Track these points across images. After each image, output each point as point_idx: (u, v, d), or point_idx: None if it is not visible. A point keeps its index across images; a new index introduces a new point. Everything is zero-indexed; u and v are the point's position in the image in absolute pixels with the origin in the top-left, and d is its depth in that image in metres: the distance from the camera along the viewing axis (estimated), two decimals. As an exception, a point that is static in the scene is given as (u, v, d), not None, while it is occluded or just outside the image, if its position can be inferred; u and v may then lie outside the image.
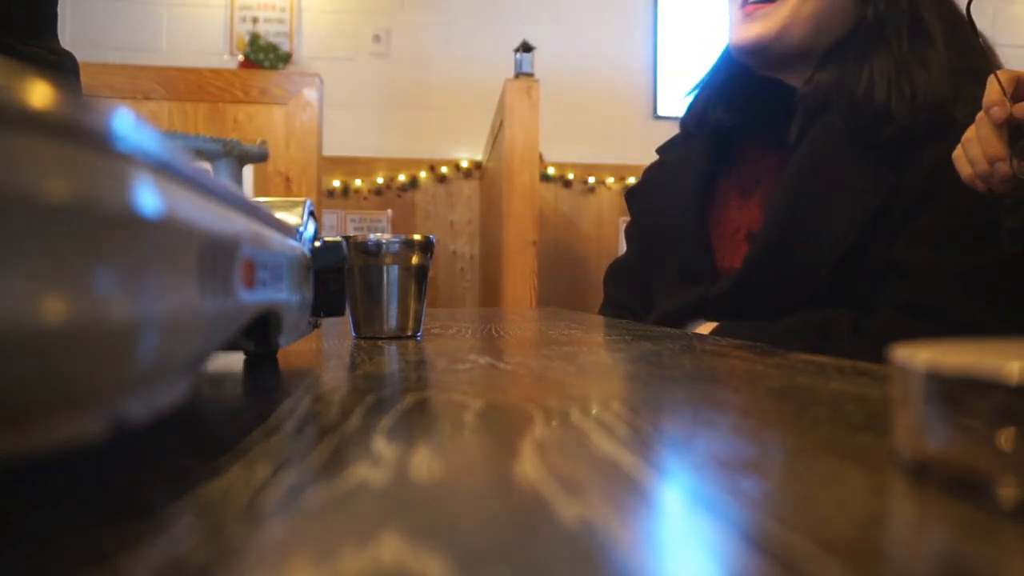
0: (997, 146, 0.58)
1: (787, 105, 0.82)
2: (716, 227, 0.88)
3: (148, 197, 0.13)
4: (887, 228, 0.72)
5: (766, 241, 0.78)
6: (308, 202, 0.40)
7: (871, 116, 0.74)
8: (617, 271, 1.03)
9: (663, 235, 0.91)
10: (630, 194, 1.00)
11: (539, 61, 2.51)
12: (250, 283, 0.22)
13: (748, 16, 0.82)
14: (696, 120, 0.94)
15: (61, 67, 0.66)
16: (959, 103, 0.72)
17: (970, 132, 0.61)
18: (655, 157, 1.00)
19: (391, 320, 0.58)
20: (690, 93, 0.96)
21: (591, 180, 2.99)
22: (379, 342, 0.54)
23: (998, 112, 0.57)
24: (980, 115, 0.59)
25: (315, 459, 0.18)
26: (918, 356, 0.16)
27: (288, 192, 2.41)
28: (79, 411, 0.12)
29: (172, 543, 0.12)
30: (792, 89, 0.83)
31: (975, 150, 0.60)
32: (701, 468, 0.17)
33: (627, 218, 1.03)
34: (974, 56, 0.75)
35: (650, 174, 0.99)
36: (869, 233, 0.72)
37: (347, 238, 0.54)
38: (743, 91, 0.89)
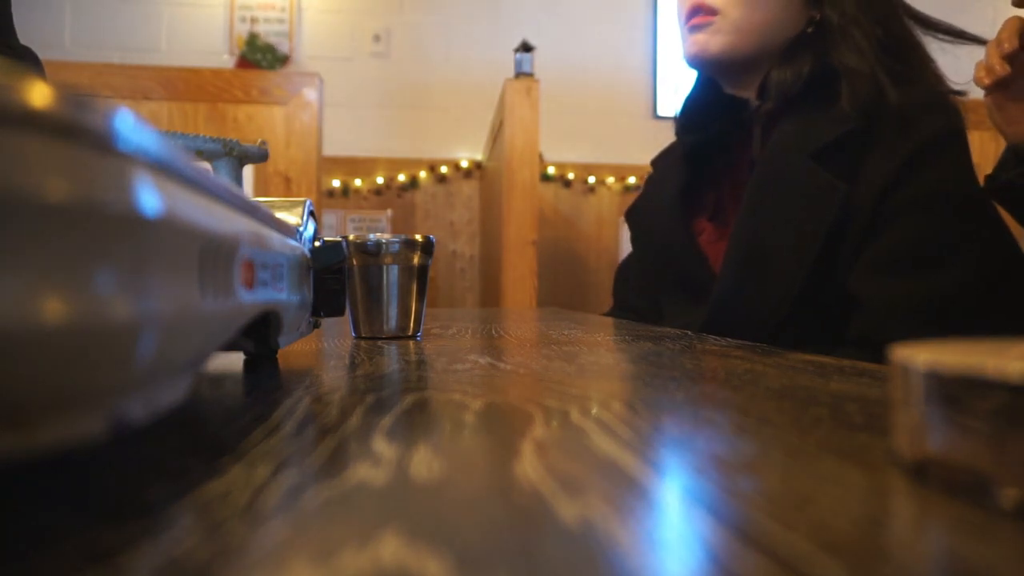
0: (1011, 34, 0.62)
1: (748, 121, 0.81)
2: (709, 240, 0.85)
3: (148, 197, 0.13)
4: (844, 254, 0.70)
5: (729, 270, 0.76)
6: (308, 202, 0.40)
7: (824, 115, 0.73)
8: (624, 272, 1.02)
9: (657, 252, 0.90)
10: (628, 212, 0.99)
11: (539, 61, 2.51)
12: (250, 283, 0.22)
13: (694, 29, 0.82)
14: (676, 131, 0.94)
15: (24, 63, 0.65)
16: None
17: (992, 41, 0.64)
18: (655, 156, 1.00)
19: (391, 320, 0.58)
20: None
21: (591, 180, 2.99)
22: (379, 342, 0.54)
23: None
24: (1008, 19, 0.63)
25: (315, 459, 0.18)
26: (918, 356, 0.16)
27: (288, 192, 2.41)
28: (79, 411, 0.12)
29: (172, 543, 0.12)
30: (749, 103, 0.82)
31: (992, 51, 0.63)
32: (701, 468, 0.17)
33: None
34: (909, 56, 0.75)
35: (644, 189, 0.98)
36: (830, 259, 0.70)
37: (347, 238, 0.54)
38: (705, 109, 0.88)
